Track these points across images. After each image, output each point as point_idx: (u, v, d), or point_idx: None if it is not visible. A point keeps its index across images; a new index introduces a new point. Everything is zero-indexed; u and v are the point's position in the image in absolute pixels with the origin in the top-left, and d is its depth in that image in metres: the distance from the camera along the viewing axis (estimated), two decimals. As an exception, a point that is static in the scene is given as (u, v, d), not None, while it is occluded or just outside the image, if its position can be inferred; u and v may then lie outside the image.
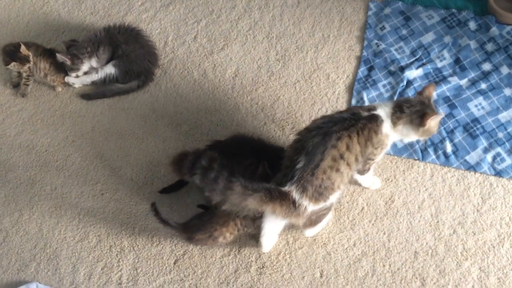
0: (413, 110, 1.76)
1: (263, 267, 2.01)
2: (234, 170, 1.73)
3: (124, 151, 2.32)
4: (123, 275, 2.03)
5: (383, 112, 1.76)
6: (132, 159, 2.29)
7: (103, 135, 2.36)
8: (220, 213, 1.86)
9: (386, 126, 1.76)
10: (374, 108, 1.78)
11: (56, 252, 2.10)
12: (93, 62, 2.46)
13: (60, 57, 2.39)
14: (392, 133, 1.79)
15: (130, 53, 2.43)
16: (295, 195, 1.67)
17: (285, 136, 2.30)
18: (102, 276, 2.04)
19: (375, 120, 1.74)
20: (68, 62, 2.39)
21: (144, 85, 2.48)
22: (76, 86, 2.49)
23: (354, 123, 1.70)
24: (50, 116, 2.44)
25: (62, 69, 2.46)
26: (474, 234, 2.03)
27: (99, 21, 2.71)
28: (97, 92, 2.47)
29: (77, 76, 2.46)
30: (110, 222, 2.15)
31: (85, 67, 2.45)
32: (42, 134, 2.39)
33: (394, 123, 1.76)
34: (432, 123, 1.77)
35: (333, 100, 2.38)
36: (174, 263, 2.04)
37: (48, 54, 2.46)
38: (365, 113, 1.74)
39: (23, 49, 2.34)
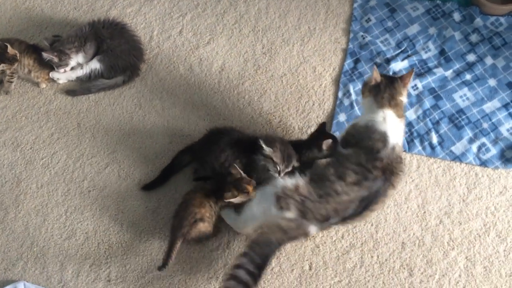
0: None
1: (252, 261, 2.01)
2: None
3: (110, 147, 2.30)
4: (111, 272, 2.03)
5: None
6: (119, 155, 2.27)
7: (89, 132, 2.34)
8: (194, 199, 1.93)
9: None
10: None
11: (43, 250, 2.08)
12: (80, 58, 2.42)
13: (46, 55, 2.35)
14: None
15: (115, 48, 2.40)
16: None
17: (272, 129, 2.29)
18: (90, 273, 2.03)
19: None
20: (56, 59, 2.36)
21: (129, 80, 2.45)
22: (61, 82, 2.46)
23: None
24: (35, 113, 2.40)
25: (46, 65, 2.42)
26: (460, 224, 2.06)
27: (83, 16, 2.67)
28: (82, 88, 2.44)
29: (65, 71, 2.42)
30: (97, 219, 2.13)
31: (73, 62, 2.42)
32: (26, 132, 2.35)
33: None
34: None
35: (319, 93, 2.38)
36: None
37: (32, 50, 2.42)
38: None
39: (10, 49, 2.30)
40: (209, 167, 2.07)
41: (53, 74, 2.43)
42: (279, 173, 1.95)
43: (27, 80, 2.48)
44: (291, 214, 1.85)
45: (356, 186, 1.82)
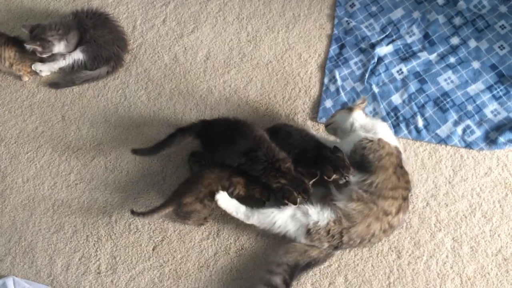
0: None
1: (242, 248, 2.02)
2: None
3: (96, 139, 2.28)
4: (101, 264, 2.02)
5: None
6: (105, 147, 2.25)
7: (74, 124, 2.32)
8: (207, 174, 1.91)
9: None
10: None
11: (32, 244, 2.07)
12: (62, 46, 2.37)
13: (29, 46, 2.30)
14: None
15: (98, 38, 2.37)
16: None
17: (259, 117, 2.29)
18: (80, 266, 2.02)
19: None
20: (39, 49, 2.31)
21: (113, 71, 2.42)
22: (44, 74, 2.42)
23: None
24: (18, 107, 2.37)
25: (28, 58, 2.38)
26: (447, 205, 2.08)
27: (64, 7, 2.63)
28: (65, 80, 2.41)
29: (47, 62, 2.38)
30: (85, 212, 2.12)
31: (56, 48, 2.36)
32: (10, 126, 2.32)
33: None
34: None
35: (305, 79, 2.38)
36: (153, 250, 2.04)
37: (13, 42, 2.37)
38: None
39: None
40: (229, 158, 1.97)
41: (36, 66, 2.39)
42: (346, 181, 1.92)
43: (9, 74, 2.44)
44: (324, 246, 1.90)
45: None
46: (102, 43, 2.37)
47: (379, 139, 1.94)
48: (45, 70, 2.41)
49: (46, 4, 2.65)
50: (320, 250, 1.91)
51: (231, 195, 1.93)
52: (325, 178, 1.89)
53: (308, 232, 1.86)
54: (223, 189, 1.92)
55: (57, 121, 2.33)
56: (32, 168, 2.22)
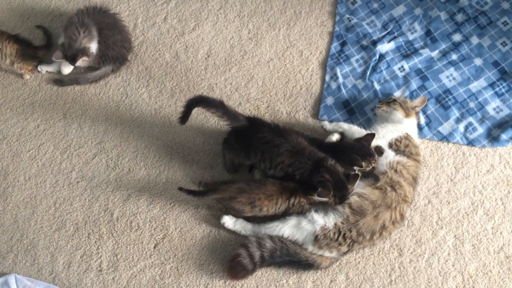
0: None
1: (243, 246, 2.02)
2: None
3: (98, 137, 2.28)
4: (103, 262, 2.03)
5: None
6: (107, 145, 2.26)
7: (76, 122, 2.32)
8: (271, 185, 1.89)
9: None
10: None
11: (33, 242, 2.07)
12: (95, 45, 2.31)
13: (80, 65, 2.29)
14: None
15: (108, 38, 2.35)
16: None
17: (260, 115, 2.28)
18: (81, 264, 2.03)
19: None
20: (88, 60, 2.28)
21: (117, 70, 2.42)
22: (66, 72, 2.40)
23: None
24: (20, 105, 2.37)
25: (29, 56, 2.39)
26: (449, 203, 2.08)
27: (65, 5, 2.63)
28: (70, 79, 2.40)
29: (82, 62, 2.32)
30: (87, 210, 2.13)
31: (94, 48, 2.31)
32: (12, 124, 2.33)
33: None
34: None
35: (307, 77, 2.37)
36: (154, 247, 2.04)
37: (14, 40, 2.38)
38: None
39: None
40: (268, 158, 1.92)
41: (41, 67, 2.41)
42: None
43: (10, 72, 2.45)
44: (331, 254, 1.90)
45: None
46: (111, 43, 2.35)
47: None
48: (52, 70, 2.42)
49: (47, 2, 2.65)
50: (327, 259, 1.91)
51: (292, 206, 1.91)
52: (355, 168, 1.90)
53: (316, 238, 1.86)
54: (286, 200, 1.89)
55: (59, 119, 2.33)
56: (34, 166, 2.23)
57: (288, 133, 1.92)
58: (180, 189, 1.98)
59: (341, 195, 1.82)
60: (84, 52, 2.25)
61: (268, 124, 1.95)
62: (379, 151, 1.96)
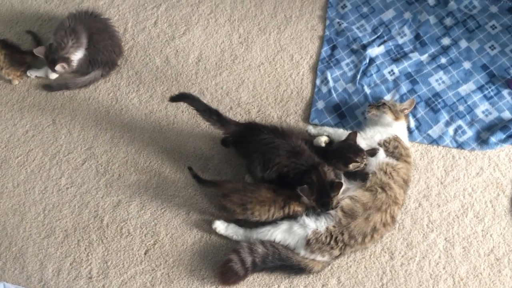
0: None
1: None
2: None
3: (88, 143, 2.26)
4: (93, 269, 2.01)
5: None
6: (96, 151, 2.24)
7: (65, 128, 2.30)
8: (265, 191, 1.89)
9: None
10: None
11: (22, 250, 2.05)
12: (80, 53, 2.32)
13: (59, 69, 2.29)
14: None
15: (98, 43, 2.34)
16: None
17: (251, 119, 2.28)
18: (71, 271, 2.01)
19: None
20: (66, 68, 2.29)
21: (107, 75, 2.41)
22: (53, 77, 2.40)
23: None
24: (8, 111, 2.35)
25: (18, 62, 2.36)
26: (439, 206, 2.08)
27: (54, 10, 2.61)
28: (59, 84, 2.38)
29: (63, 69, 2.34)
30: (76, 216, 2.11)
31: (77, 58, 2.31)
32: (0, 130, 2.30)
33: None
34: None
35: (297, 81, 2.38)
36: (145, 254, 2.03)
37: (1, 45, 2.36)
38: None
39: None
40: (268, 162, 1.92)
41: (31, 72, 2.39)
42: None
43: (-2, 77, 2.43)
44: (324, 258, 1.90)
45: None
46: (101, 48, 2.34)
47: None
48: (41, 75, 2.40)
49: (36, 7, 2.63)
50: (319, 263, 1.91)
51: (288, 213, 1.92)
52: (351, 167, 1.93)
53: (308, 243, 1.86)
54: (279, 208, 1.90)
55: (48, 125, 2.31)
56: (22, 172, 2.20)
57: (287, 135, 1.93)
58: (190, 168, 2.04)
59: (322, 202, 1.82)
60: (66, 60, 2.27)
61: (267, 126, 1.97)
62: (373, 152, 1.97)
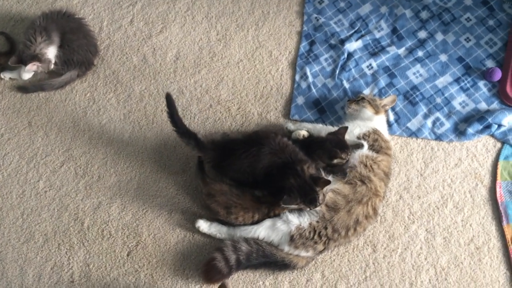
0: None
1: (218, 249, 2.00)
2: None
3: (65, 145, 2.22)
4: (74, 273, 1.98)
5: None
6: (75, 152, 2.20)
7: (42, 130, 2.25)
8: (249, 199, 1.89)
9: None
10: None
11: (1, 256, 2.01)
12: (53, 51, 2.28)
13: (30, 70, 2.25)
14: None
15: (72, 43, 2.30)
16: None
17: (231, 117, 2.27)
18: (52, 275, 1.97)
19: None
20: (41, 67, 2.24)
21: (83, 75, 2.36)
22: (26, 78, 2.34)
23: None
24: (-18, 114, 2.30)
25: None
26: (419, 197, 2.11)
27: (27, 10, 2.55)
28: (35, 85, 2.33)
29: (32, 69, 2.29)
30: (56, 220, 2.07)
31: (50, 55, 2.27)
32: (-26, 134, 2.25)
33: None
34: None
35: (277, 77, 2.37)
36: (128, 255, 2.00)
37: (-27, 48, 2.30)
38: None
39: None
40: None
41: (5, 74, 2.33)
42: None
43: (-30, 80, 2.36)
44: (308, 254, 1.90)
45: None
46: (75, 47, 2.30)
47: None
48: (15, 76, 2.34)
49: (8, 7, 2.57)
50: (303, 259, 1.92)
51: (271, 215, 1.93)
52: (334, 161, 1.93)
53: (292, 238, 1.86)
54: (263, 215, 1.91)
55: (24, 127, 2.26)
56: (-2, 177, 2.16)
57: (263, 137, 1.90)
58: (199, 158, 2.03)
59: (309, 199, 1.79)
60: (37, 58, 2.21)
61: (238, 139, 1.95)
62: (358, 146, 1.98)
